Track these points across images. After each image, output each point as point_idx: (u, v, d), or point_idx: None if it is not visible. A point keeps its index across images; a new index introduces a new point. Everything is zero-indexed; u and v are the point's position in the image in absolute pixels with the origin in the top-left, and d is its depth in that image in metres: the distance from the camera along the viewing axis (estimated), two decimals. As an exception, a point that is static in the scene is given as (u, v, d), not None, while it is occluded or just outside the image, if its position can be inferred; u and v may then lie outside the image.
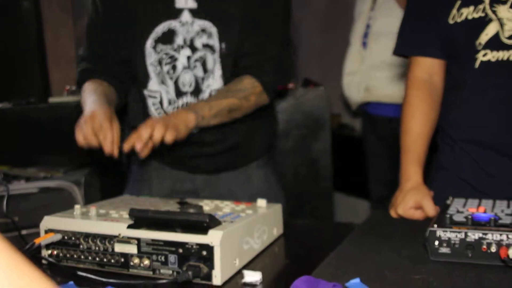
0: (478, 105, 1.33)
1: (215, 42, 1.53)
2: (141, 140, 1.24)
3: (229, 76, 1.55)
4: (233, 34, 1.52)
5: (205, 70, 1.54)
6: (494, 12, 1.26)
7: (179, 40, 1.53)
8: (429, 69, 1.41)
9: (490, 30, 1.27)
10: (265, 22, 1.54)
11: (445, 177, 1.43)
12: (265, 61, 1.54)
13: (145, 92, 1.59)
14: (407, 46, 1.45)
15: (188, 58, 1.54)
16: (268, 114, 1.74)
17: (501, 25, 1.25)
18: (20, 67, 3.67)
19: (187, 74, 1.55)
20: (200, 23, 1.52)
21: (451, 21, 1.32)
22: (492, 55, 1.27)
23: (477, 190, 1.34)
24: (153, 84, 1.57)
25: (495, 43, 1.27)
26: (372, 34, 2.82)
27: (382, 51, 2.76)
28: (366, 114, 2.95)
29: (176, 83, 1.56)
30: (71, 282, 0.92)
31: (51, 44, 3.81)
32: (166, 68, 1.55)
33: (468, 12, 1.29)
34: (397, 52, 1.48)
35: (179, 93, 1.56)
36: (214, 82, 1.55)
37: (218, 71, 1.55)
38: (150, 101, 1.59)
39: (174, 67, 1.55)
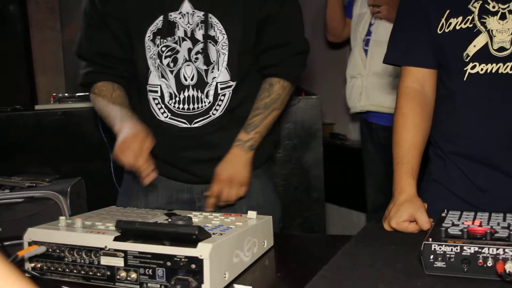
0: (467, 117, 1.32)
1: (216, 33, 1.50)
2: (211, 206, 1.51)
3: (234, 67, 1.53)
4: (235, 24, 1.50)
5: (208, 62, 1.51)
6: (483, 23, 1.25)
7: (179, 32, 1.50)
8: (420, 79, 1.39)
9: (479, 42, 1.26)
10: (283, 16, 1.55)
11: (436, 189, 1.41)
12: (289, 55, 1.57)
13: (147, 88, 1.56)
14: (398, 55, 1.43)
15: (189, 50, 1.51)
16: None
17: (490, 37, 1.24)
18: (6, 73, 3.62)
19: (188, 67, 1.51)
20: (200, 14, 1.49)
21: (439, 31, 1.31)
22: (480, 68, 1.26)
23: (467, 203, 1.33)
24: (153, 78, 1.54)
25: (484, 55, 1.25)
26: (374, 41, 2.80)
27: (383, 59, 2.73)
28: (365, 122, 2.94)
29: (177, 77, 1.52)
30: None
31: (38, 48, 3.77)
32: (166, 61, 1.51)
33: (457, 22, 1.28)
34: (387, 61, 1.47)
35: (180, 87, 1.52)
36: (220, 74, 1.52)
37: (223, 63, 1.52)
38: (151, 97, 1.55)
39: (175, 60, 1.51)
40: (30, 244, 1.03)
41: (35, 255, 1.02)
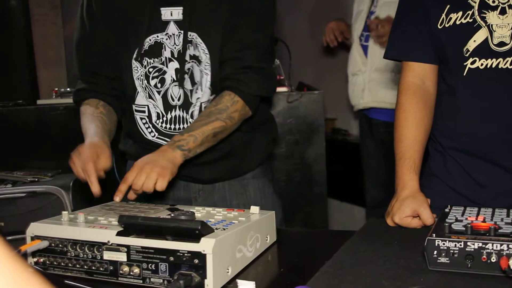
0: (467, 113, 1.31)
1: (200, 53, 1.49)
2: (122, 193, 1.31)
3: (217, 87, 1.51)
4: (217, 44, 1.49)
5: (193, 82, 1.51)
6: (483, 18, 1.24)
7: (166, 53, 1.50)
8: (421, 74, 1.39)
9: (479, 37, 1.25)
10: (245, 29, 1.49)
11: (435, 185, 1.41)
12: (243, 70, 1.49)
13: (133, 107, 1.56)
14: (398, 50, 1.43)
15: (176, 71, 1.51)
16: (265, 124, 1.71)
17: (490, 32, 1.24)
18: (8, 68, 3.61)
19: (175, 87, 1.51)
20: (187, 34, 1.49)
21: (439, 26, 1.31)
22: (480, 63, 1.25)
23: (466, 199, 1.33)
24: (141, 99, 1.55)
25: (483, 50, 1.25)
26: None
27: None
28: (365, 118, 2.93)
29: (164, 97, 1.52)
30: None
31: (40, 43, 3.77)
32: (153, 82, 1.52)
33: (457, 17, 1.27)
34: (388, 56, 1.46)
35: (168, 107, 1.53)
36: (203, 94, 1.51)
37: (206, 83, 1.51)
38: (137, 116, 1.56)
39: (162, 81, 1.52)
40: (32, 238, 1.03)
41: (37, 249, 1.02)
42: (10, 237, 1.31)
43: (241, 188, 1.64)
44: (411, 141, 1.34)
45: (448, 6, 1.29)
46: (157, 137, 1.55)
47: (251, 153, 1.64)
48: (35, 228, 1.04)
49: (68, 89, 2.91)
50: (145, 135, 1.56)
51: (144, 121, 1.56)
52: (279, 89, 2.56)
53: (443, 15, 1.30)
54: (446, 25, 1.29)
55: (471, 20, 1.25)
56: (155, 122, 1.54)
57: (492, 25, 1.23)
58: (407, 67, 1.40)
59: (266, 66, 1.54)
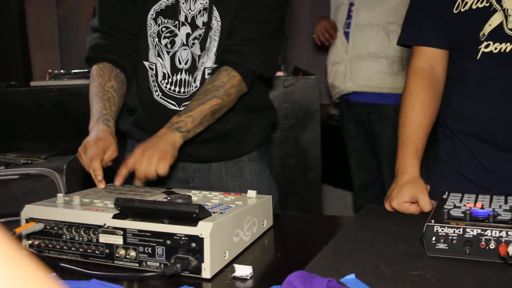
0: (479, 97, 1.30)
1: (212, 20, 1.49)
2: (122, 177, 1.30)
3: (222, 53, 1.51)
4: (230, 13, 1.49)
5: (202, 48, 1.51)
6: (498, 2, 1.23)
7: (181, 17, 1.50)
8: (431, 59, 1.38)
9: (494, 21, 1.24)
10: (259, 4, 1.49)
11: (443, 170, 1.40)
12: (245, 42, 1.48)
13: (146, 64, 1.55)
14: (411, 35, 1.41)
15: (188, 35, 1.50)
16: (264, 106, 1.69)
17: (505, 16, 1.22)
18: (1, 49, 3.57)
19: (184, 51, 1.51)
20: (202, 2, 1.49)
21: (455, 11, 1.30)
22: (494, 47, 1.24)
23: (475, 184, 1.32)
24: (151, 56, 1.54)
25: (498, 34, 1.24)
26: (355, 25, 2.83)
27: (366, 42, 2.78)
28: (344, 101, 2.96)
29: (172, 59, 1.52)
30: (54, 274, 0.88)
31: (33, 24, 3.72)
32: (164, 41, 1.52)
33: (473, 2, 1.26)
34: (400, 42, 1.45)
35: (174, 69, 1.52)
36: (209, 60, 1.51)
37: (213, 49, 1.51)
38: (149, 73, 1.55)
39: (172, 42, 1.51)
40: (27, 221, 1.02)
41: (32, 232, 1.01)
42: (3, 219, 1.30)
43: (238, 171, 1.64)
44: (415, 126, 1.33)
45: None
46: (160, 97, 1.54)
47: (248, 135, 1.63)
48: (30, 210, 1.03)
49: (62, 71, 2.89)
50: (152, 92, 1.55)
51: (152, 79, 1.55)
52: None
53: (459, 0, 1.28)
54: (462, 10, 1.28)
55: (487, 4, 1.24)
56: (160, 82, 1.54)
57: (507, 9, 1.22)
58: (418, 51, 1.39)
59: (270, 43, 1.52)
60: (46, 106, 2.58)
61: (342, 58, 2.88)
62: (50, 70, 2.85)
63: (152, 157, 1.28)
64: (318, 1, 4.30)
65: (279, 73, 2.59)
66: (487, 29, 1.24)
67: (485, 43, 1.25)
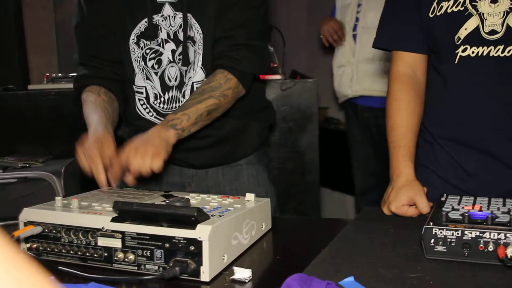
0: (458, 101, 1.31)
1: (195, 33, 1.49)
2: (118, 179, 1.30)
3: (209, 66, 1.51)
4: (210, 24, 1.48)
5: (187, 62, 1.50)
6: (474, 6, 1.24)
7: (162, 35, 1.50)
8: (411, 63, 1.38)
9: (470, 25, 1.25)
10: (238, 8, 1.48)
11: (424, 174, 1.40)
12: (235, 47, 1.48)
13: (134, 88, 1.56)
14: (387, 39, 1.42)
15: (173, 52, 1.51)
16: (263, 110, 1.70)
17: (482, 20, 1.23)
18: (-2, 52, 3.56)
19: (172, 68, 1.51)
20: (181, 16, 1.48)
21: (431, 15, 1.30)
22: (471, 50, 1.25)
23: (455, 188, 1.33)
24: (139, 80, 1.55)
25: (475, 38, 1.25)
26: (362, 28, 2.81)
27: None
28: (351, 105, 2.95)
29: (161, 78, 1.52)
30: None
31: (31, 27, 3.71)
32: (150, 63, 1.52)
33: (448, 6, 1.27)
34: (376, 45, 1.45)
35: (165, 88, 1.53)
36: (195, 74, 1.51)
37: (198, 62, 1.51)
38: (137, 97, 1.56)
39: (159, 62, 1.51)
40: (25, 224, 1.02)
41: (31, 235, 1.00)
42: (1, 223, 1.29)
43: (235, 174, 1.64)
44: (404, 129, 1.33)
45: None
46: (154, 117, 1.55)
47: (245, 139, 1.63)
48: (28, 213, 1.02)
49: (60, 74, 2.88)
50: (143, 115, 1.56)
51: (142, 102, 1.55)
52: (272, 77, 2.55)
53: (434, 4, 1.29)
54: (438, 14, 1.29)
55: (462, 8, 1.25)
56: (153, 102, 1.54)
57: (483, 13, 1.23)
58: (397, 56, 1.40)
59: (259, 44, 1.52)
60: (44, 110, 2.58)
61: (348, 61, 2.87)
62: (47, 74, 2.85)
63: (146, 153, 1.25)
64: (316, 4, 4.31)
65: (277, 76, 2.59)
66: (463, 33, 1.25)
67: (462, 47, 1.26)
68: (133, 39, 1.51)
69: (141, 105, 1.56)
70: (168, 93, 1.53)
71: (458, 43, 1.27)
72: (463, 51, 1.26)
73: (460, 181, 1.34)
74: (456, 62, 1.28)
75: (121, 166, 1.28)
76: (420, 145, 1.44)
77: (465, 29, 1.25)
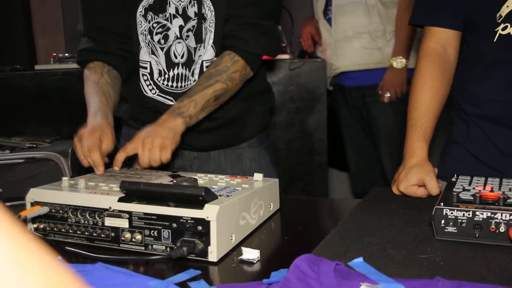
0: (494, 80, 1.28)
1: (206, 10, 1.46)
2: (120, 162, 1.28)
3: (219, 45, 1.48)
4: (223, 1, 1.45)
5: (198, 40, 1.48)
6: None
7: (171, 9, 1.47)
8: (443, 40, 1.35)
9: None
10: None
11: (458, 152, 1.38)
12: (244, 27, 1.45)
13: (139, 63, 1.53)
14: (422, 16, 1.38)
15: (181, 27, 1.47)
16: (263, 94, 1.67)
17: None
18: (5, 33, 3.55)
19: (179, 44, 1.48)
20: None
21: None
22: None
23: (489, 167, 1.31)
24: (144, 55, 1.51)
25: None
26: (335, 8, 2.79)
27: (347, 22, 2.74)
28: (337, 86, 2.93)
29: (167, 54, 1.49)
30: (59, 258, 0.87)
31: (37, 8, 3.70)
32: (157, 37, 1.48)
33: None
34: (412, 22, 1.42)
35: (170, 64, 1.50)
36: (206, 52, 1.49)
37: (209, 40, 1.48)
38: (141, 72, 1.53)
39: (165, 37, 1.48)
40: (32, 204, 1.01)
41: (37, 215, 1.00)
42: (8, 203, 1.29)
43: (237, 158, 1.62)
44: (424, 109, 1.31)
45: None
46: (157, 94, 1.52)
47: (247, 122, 1.61)
48: (35, 194, 1.02)
49: (67, 54, 2.87)
50: (146, 92, 1.53)
51: (145, 77, 1.52)
52: (281, 56, 2.53)
53: None
54: None
55: None
56: (157, 79, 1.51)
57: None
58: (430, 32, 1.36)
59: (268, 24, 1.49)
60: (50, 90, 2.57)
61: (328, 44, 2.86)
62: (54, 54, 2.84)
63: (154, 145, 1.26)
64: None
65: (285, 56, 2.57)
66: (504, 10, 1.22)
67: (502, 25, 1.22)
68: (141, 11, 1.48)
69: (144, 81, 1.53)
70: (173, 70, 1.50)
71: (499, 21, 1.23)
72: (503, 29, 1.23)
73: (493, 159, 1.31)
74: (495, 41, 1.24)
75: (127, 155, 1.28)
76: (455, 122, 1.42)
77: (507, 6, 1.21)
